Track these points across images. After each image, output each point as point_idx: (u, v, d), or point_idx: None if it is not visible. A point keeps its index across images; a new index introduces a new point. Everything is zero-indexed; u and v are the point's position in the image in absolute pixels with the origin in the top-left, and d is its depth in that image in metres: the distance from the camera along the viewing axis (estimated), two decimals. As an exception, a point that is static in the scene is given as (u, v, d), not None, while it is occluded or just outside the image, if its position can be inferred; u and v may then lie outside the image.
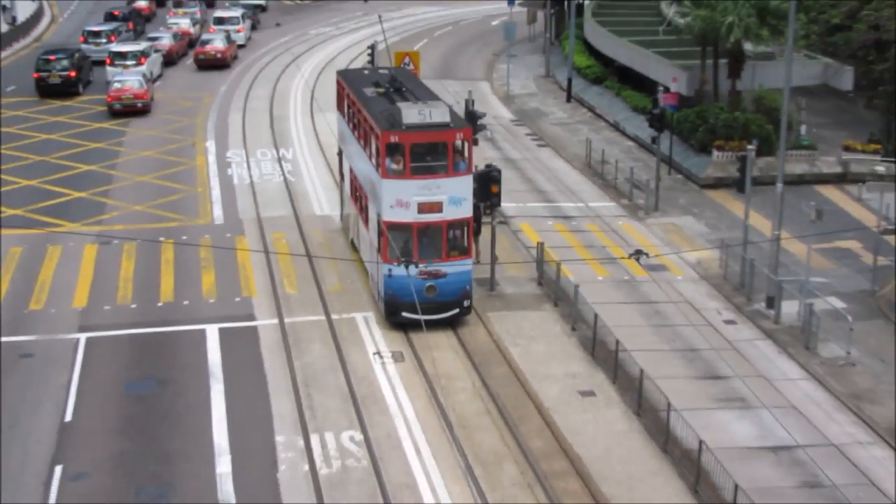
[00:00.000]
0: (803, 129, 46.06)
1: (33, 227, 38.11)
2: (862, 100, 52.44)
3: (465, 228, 29.06)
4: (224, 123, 54.23)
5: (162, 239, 36.73)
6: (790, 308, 30.71)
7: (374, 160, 29.10)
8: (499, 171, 32.48)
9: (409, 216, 27.91)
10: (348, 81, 35.08)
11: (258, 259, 35.05)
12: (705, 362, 28.34)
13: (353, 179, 33.50)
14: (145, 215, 39.80)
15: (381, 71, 37.06)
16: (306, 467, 23.39)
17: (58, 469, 23.16)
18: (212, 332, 29.91)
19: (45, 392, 26.56)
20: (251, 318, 30.93)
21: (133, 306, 31.68)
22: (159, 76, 64.26)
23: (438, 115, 28.18)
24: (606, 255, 35.57)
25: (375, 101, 31.19)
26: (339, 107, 37.20)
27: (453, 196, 28.15)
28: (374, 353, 28.67)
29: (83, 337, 29.55)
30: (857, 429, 25.15)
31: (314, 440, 24.45)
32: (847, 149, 44.64)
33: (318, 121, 54.64)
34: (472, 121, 39.09)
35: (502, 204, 33.97)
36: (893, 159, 43.02)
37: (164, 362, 28.33)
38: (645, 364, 26.56)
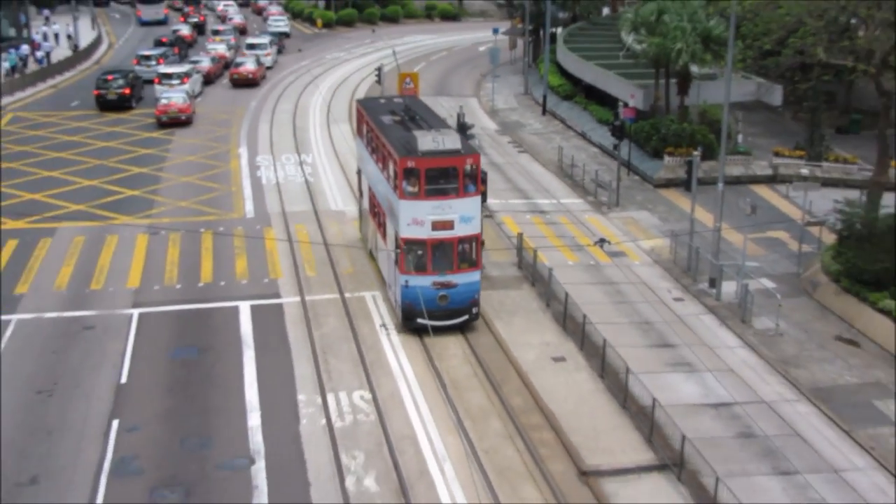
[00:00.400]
0: (740, 137, 46.16)
1: (94, 219, 38.09)
2: (789, 113, 52.62)
3: (474, 243, 27.09)
4: (254, 133, 54.07)
5: (202, 230, 36.66)
6: (729, 287, 30.76)
7: (392, 182, 27.20)
8: (485, 173, 32.37)
9: (424, 233, 26.17)
10: (367, 109, 32.60)
11: (283, 247, 35.01)
12: (658, 333, 28.37)
13: (372, 198, 31.29)
14: (188, 210, 39.70)
15: (395, 100, 34.44)
16: (323, 421, 23.43)
17: (115, 423, 23.24)
18: (244, 307, 29.86)
19: (103, 358, 26.53)
20: (277, 296, 30.86)
21: (178, 286, 31.60)
22: (200, 93, 64.04)
23: (450, 142, 26.49)
24: (575, 243, 35.56)
25: (392, 129, 29.15)
26: (359, 131, 34.66)
27: (463, 215, 26.33)
28: (380, 326, 28.65)
29: (136, 312, 29.51)
30: (785, 388, 25.25)
31: (330, 398, 24.49)
32: (777, 154, 44.69)
33: (333, 131, 54.57)
34: (462, 131, 39.15)
35: (488, 200, 33.98)
36: (816, 163, 43.13)
37: (204, 333, 28.30)
38: (607, 334, 26.58)
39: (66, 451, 22.03)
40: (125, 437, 22.65)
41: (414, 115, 30.44)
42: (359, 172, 34.84)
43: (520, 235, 33.86)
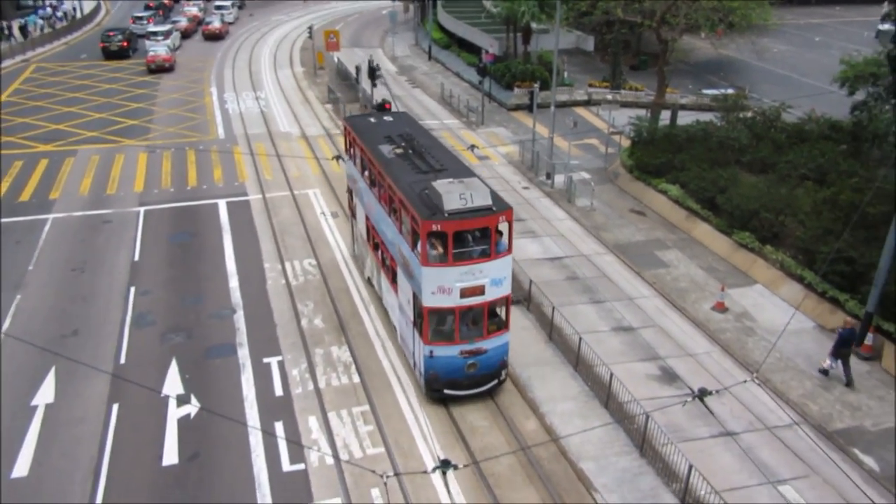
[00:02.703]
0: (566, 74, 46.01)
1: (105, 143, 36.03)
2: (599, 56, 52.56)
3: (505, 304, 17.51)
4: (221, 75, 51.37)
5: (187, 148, 35.12)
6: (559, 178, 31.10)
7: (408, 239, 16.98)
8: (390, 103, 31.69)
9: (451, 301, 16.42)
10: (358, 132, 21.22)
11: (247, 159, 33.81)
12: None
13: (372, 229, 20.81)
14: (176, 134, 37.83)
15: (386, 119, 22.64)
16: (283, 281, 23.13)
17: (132, 289, 22.56)
18: (222, 204, 28.89)
19: (120, 244, 25.52)
20: (245, 194, 29.92)
21: (172, 189, 30.31)
22: (179, 46, 60.33)
23: (480, 197, 16.37)
24: (454, 150, 35.27)
25: (399, 167, 18.48)
26: (348, 152, 22.62)
27: (495, 278, 16.57)
28: (320, 213, 28.14)
29: (142, 209, 28.31)
30: (597, 245, 25.86)
31: (287, 265, 24.13)
32: (590, 85, 44.77)
33: (279, 74, 52.21)
34: (372, 73, 37.87)
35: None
36: (616, 91, 43.41)
37: (193, 223, 27.35)
38: (478, 213, 26.64)
39: (97, 311, 21.31)
40: (140, 298, 22.00)
41: (418, 146, 19.82)
42: (349, 191, 23.58)
43: (416, 146, 33.21)
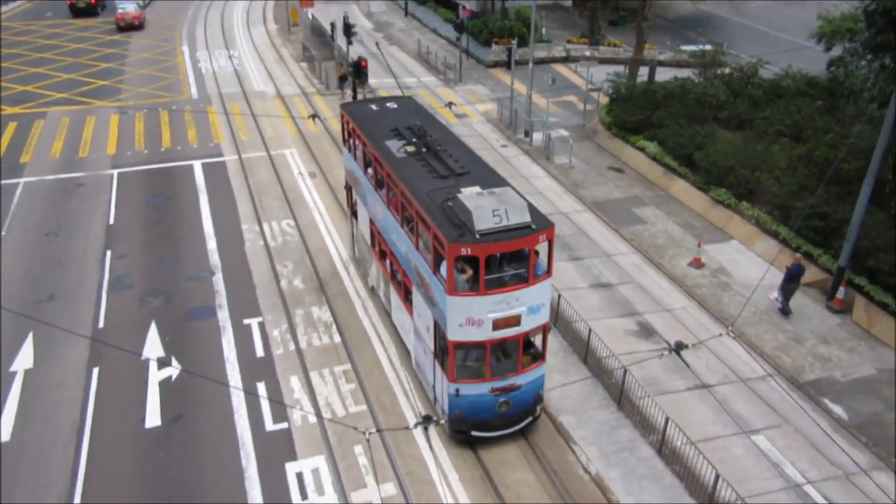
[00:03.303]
0: (544, 30, 45.58)
1: (75, 104, 35.27)
2: (576, 12, 52.12)
3: (542, 333, 14.61)
4: (193, 34, 50.29)
5: (160, 108, 34.49)
6: (538, 136, 31.05)
7: (428, 258, 14.27)
8: (366, 60, 31.26)
9: (483, 335, 13.75)
10: (359, 123, 18.37)
11: (222, 119, 33.30)
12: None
13: (378, 235, 18.13)
14: (148, 94, 37.09)
15: (389, 106, 19.62)
16: (262, 242, 23.00)
17: (108, 252, 22.30)
18: (197, 165, 28.50)
19: (95, 207, 25.16)
20: (220, 155, 29.53)
21: (145, 151, 29.84)
22: (149, 3, 58.90)
23: (516, 214, 13.49)
24: (431, 108, 34.96)
25: (412, 169, 15.69)
26: (347, 144, 19.85)
27: (532, 306, 13.87)
28: (298, 174, 27.89)
29: (115, 172, 27.87)
30: (576, 203, 25.97)
31: (265, 226, 23.98)
32: (568, 41, 44.46)
33: (252, 31, 51.19)
34: (348, 30, 37.23)
35: (369, 80, 32.87)
36: (594, 47, 43.13)
37: (168, 185, 26.99)
38: (457, 172, 26.55)
39: (73, 275, 21.10)
40: (117, 262, 21.79)
41: (432, 143, 16.84)
42: (347, 188, 20.93)
43: (393, 105, 32.85)
